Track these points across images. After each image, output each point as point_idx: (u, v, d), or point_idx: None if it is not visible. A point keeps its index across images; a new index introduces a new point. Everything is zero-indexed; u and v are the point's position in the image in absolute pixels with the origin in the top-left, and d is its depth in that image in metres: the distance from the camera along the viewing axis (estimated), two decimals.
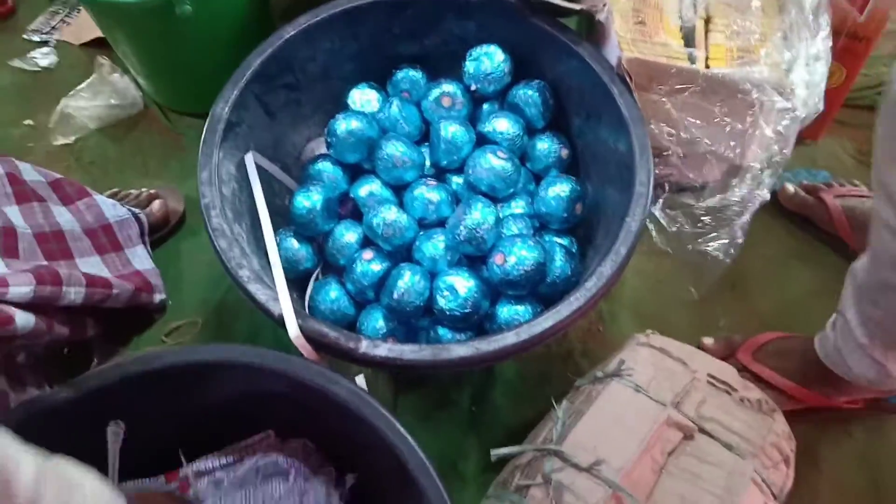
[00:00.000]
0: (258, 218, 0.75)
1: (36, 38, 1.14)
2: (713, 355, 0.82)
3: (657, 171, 0.76)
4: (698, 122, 0.79)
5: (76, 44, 1.13)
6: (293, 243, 0.81)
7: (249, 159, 0.79)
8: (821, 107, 0.78)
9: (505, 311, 0.73)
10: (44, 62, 1.10)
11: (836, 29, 0.86)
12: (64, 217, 0.83)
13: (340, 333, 0.62)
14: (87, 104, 0.99)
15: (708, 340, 0.86)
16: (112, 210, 0.86)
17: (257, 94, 0.81)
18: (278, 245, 0.81)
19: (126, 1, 0.81)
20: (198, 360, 0.58)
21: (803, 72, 0.78)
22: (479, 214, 0.74)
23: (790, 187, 0.96)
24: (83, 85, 1.02)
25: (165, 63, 0.97)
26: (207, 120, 0.75)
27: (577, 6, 0.78)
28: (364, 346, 0.62)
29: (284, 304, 0.64)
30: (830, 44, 0.79)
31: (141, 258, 0.89)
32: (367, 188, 0.84)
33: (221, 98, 0.76)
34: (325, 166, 0.85)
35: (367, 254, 0.79)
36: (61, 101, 1.01)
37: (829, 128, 1.03)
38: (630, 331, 0.90)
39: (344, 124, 0.83)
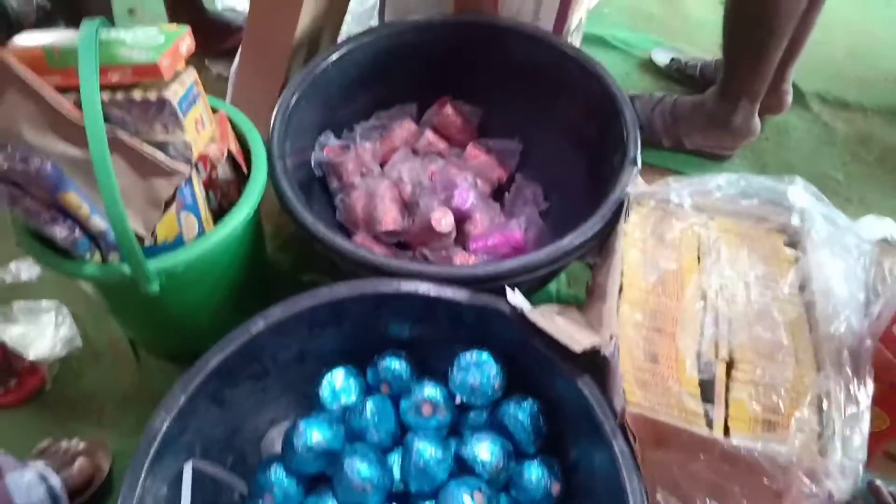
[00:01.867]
0: None
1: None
2: None
3: None
4: (713, 502, 0.66)
5: None
6: None
7: (187, 472, 0.69)
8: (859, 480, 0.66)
9: None
10: (25, 275, 1.04)
11: (879, 377, 0.75)
12: None
13: None
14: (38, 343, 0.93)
15: None
16: (24, 497, 0.76)
17: (212, 392, 0.72)
18: None
19: (84, 275, 0.74)
20: None
21: (840, 450, 0.66)
22: None
23: None
24: (34, 323, 0.96)
25: (139, 318, 0.90)
26: (141, 437, 0.65)
27: (578, 348, 0.69)
28: None
29: None
30: (868, 419, 0.67)
31: None
32: None
33: (164, 407, 0.67)
34: (279, 477, 0.74)
35: None
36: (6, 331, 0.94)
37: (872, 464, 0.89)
38: None
39: (304, 437, 0.73)
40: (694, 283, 0.78)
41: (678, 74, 1.40)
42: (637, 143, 0.90)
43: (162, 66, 0.71)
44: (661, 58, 1.43)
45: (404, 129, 1.14)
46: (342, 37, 1.31)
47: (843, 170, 1.24)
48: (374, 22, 1.34)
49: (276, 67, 1.09)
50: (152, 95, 0.72)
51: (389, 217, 1.03)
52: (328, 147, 1.07)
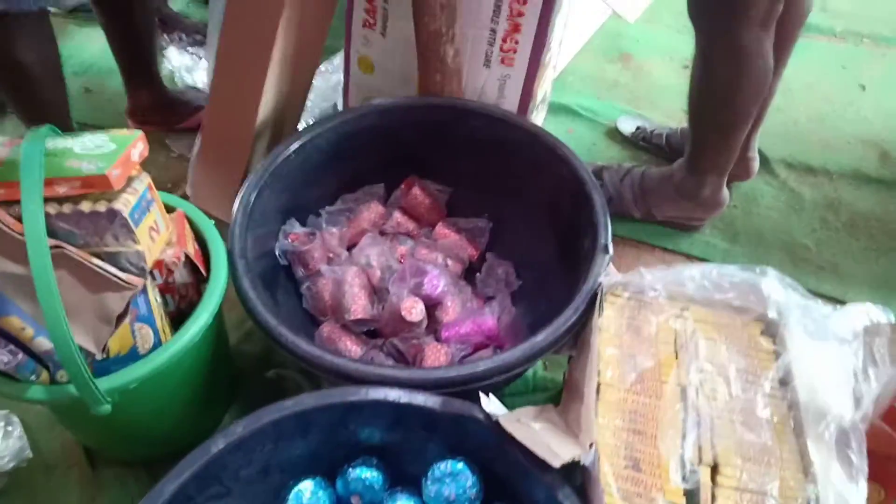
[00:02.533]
0: None
1: None
2: None
3: None
4: None
5: None
6: None
7: None
8: None
9: None
10: None
11: (873, 450, 0.73)
12: None
13: None
14: None
15: None
16: None
17: None
18: None
19: (29, 398, 0.69)
20: None
21: None
22: None
23: None
24: None
25: (92, 431, 0.85)
26: None
27: (557, 462, 0.65)
28: None
29: None
30: None
31: None
32: None
33: None
34: None
35: None
36: None
37: None
38: None
39: None
40: (673, 379, 0.76)
41: (644, 143, 1.40)
42: (608, 229, 0.89)
43: (111, 176, 0.68)
44: (627, 126, 1.43)
45: (371, 211, 1.12)
46: (307, 112, 1.30)
47: (812, 237, 1.24)
48: (339, 98, 1.33)
49: (237, 154, 1.07)
50: (101, 207, 0.69)
51: (358, 305, 0.99)
52: (293, 234, 1.04)
